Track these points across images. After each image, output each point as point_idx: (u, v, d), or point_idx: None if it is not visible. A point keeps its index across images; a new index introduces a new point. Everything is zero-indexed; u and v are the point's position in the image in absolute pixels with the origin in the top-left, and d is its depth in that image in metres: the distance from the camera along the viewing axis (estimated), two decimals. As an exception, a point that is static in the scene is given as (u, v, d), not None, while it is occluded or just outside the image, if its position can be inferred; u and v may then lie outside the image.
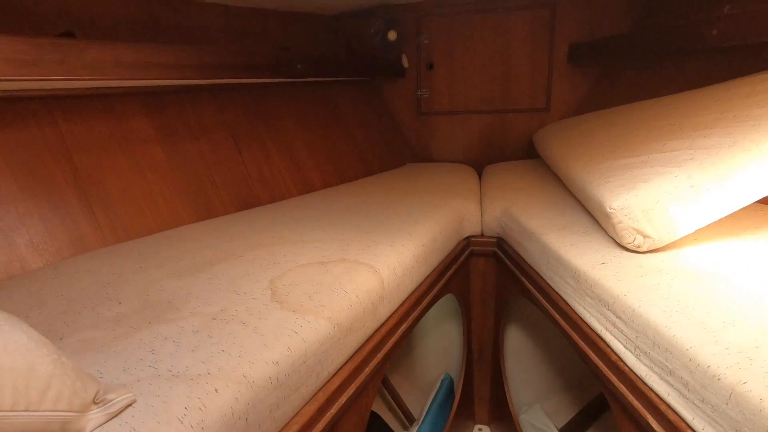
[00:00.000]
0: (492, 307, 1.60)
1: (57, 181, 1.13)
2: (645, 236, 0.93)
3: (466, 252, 1.51)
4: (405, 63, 2.35)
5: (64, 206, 1.13)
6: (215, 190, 1.49)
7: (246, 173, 1.61)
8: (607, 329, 0.86)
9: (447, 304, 1.60)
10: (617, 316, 0.82)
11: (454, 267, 1.39)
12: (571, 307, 1.01)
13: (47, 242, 1.08)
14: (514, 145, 2.33)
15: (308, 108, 1.98)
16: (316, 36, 2.20)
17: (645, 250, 0.95)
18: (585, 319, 0.95)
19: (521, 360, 1.72)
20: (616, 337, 0.83)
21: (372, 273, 0.96)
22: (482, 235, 1.55)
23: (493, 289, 1.59)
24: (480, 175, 2.07)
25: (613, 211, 0.95)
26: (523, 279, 1.28)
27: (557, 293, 1.08)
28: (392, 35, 2.17)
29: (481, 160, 2.32)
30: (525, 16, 2.17)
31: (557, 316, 1.07)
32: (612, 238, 1.03)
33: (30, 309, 0.83)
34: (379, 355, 0.93)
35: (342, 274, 0.94)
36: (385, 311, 0.98)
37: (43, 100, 1.16)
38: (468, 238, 1.54)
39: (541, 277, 1.17)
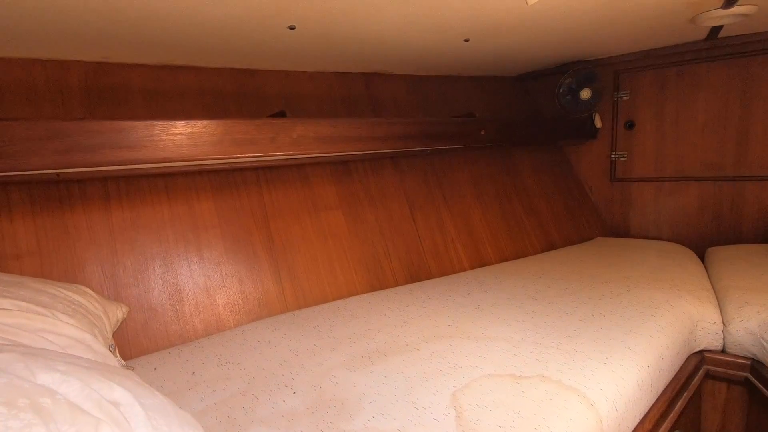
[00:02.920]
0: (738, 456, 1.14)
1: (255, 246, 1.21)
2: None
3: (700, 372, 1.12)
4: (598, 123, 2.06)
5: (258, 270, 1.19)
6: (388, 260, 1.44)
7: (419, 242, 1.54)
8: None
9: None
10: None
11: (686, 395, 1.02)
12: None
13: (240, 304, 1.14)
14: (752, 222, 1.78)
15: (486, 173, 1.85)
16: (499, 99, 2.11)
17: None
18: None
19: None
20: None
21: (586, 406, 0.72)
22: (724, 351, 1.14)
23: (742, 429, 1.13)
24: (703, 260, 1.61)
25: None
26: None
27: None
28: (585, 93, 1.94)
29: (702, 240, 1.83)
30: (775, 61, 1.70)
31: None
32: None
33: (217, 381, 0.84)
34: None
35: (544, 401, 0.72)
36: (601, 462, 0.72)
37: (255, 171, 1.28)
38: (701, 352, 1.15)
39: None
